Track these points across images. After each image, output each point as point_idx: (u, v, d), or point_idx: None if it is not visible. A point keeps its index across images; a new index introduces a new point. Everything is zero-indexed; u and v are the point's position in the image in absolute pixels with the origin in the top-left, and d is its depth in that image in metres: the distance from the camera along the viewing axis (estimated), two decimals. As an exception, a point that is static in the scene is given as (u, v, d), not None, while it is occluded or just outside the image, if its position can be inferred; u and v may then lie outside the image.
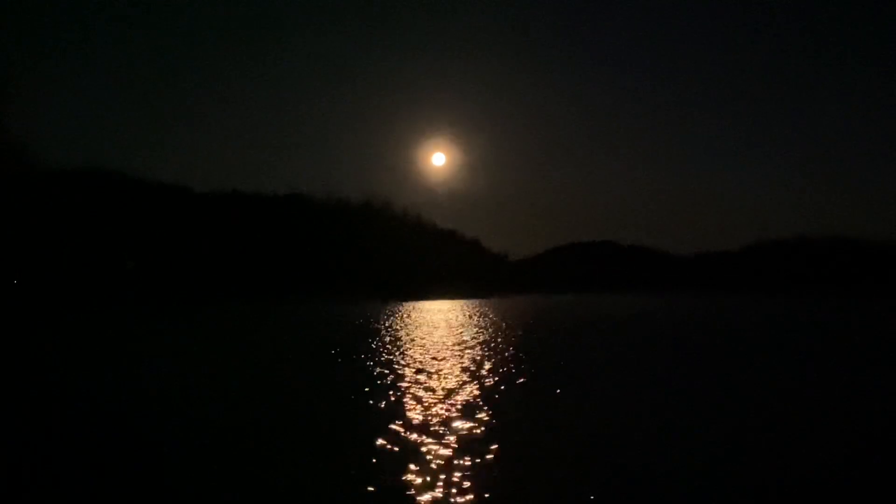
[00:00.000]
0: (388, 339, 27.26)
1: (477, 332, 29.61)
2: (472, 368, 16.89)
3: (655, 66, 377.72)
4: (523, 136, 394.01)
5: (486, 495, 6.87)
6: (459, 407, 11.46)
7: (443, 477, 7.49)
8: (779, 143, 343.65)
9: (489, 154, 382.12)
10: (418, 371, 16.41)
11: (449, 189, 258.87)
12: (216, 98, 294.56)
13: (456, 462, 8.05)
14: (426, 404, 11.78)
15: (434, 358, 19.42)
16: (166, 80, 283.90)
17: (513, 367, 17.06)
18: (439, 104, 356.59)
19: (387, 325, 37.51)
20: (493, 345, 23.40)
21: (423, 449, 8.70)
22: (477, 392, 13.13)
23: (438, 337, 28.16)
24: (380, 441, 9.12)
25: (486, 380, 14.84)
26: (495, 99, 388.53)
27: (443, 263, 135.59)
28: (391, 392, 13.18)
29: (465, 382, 14.41)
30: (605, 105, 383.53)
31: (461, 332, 30.56)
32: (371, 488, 7.12)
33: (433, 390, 13.36)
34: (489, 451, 8.55)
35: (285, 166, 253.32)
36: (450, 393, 13.00)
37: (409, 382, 14.50)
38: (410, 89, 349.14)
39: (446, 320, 43.49)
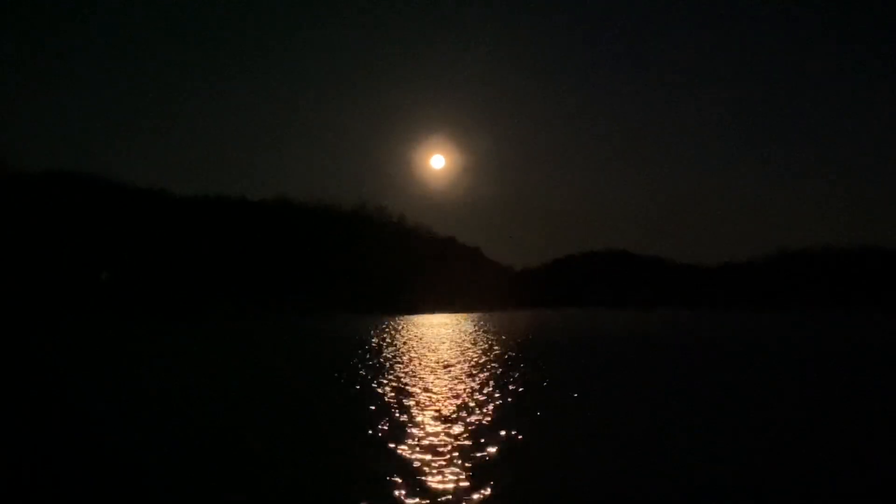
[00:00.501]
0: (380, 358, 26.83)
1: (478, 352, 29.14)
2: (474, 394, 16.43)
3: (674, 65, 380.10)
4: (530, 137, 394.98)
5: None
6: (462, 445, 10.94)
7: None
8: (804, 147, 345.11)
9: (492, 156, 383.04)
10: (409, 397, 16.05)
11: (448, 194, 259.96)
12: (198, 98, 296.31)
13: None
14: (423, 438, 11.40)
15: (430, 382, 18.91)
16: (144, 78, 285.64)
17: (518, 393, 16.66)
18: (439, 102, 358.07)
19: (380, 342, 37.21)
20: (495, 366, 23.17)
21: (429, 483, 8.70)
22: (480, 420, 12.87)
23: (439, 356, 27.84)
24: (385, 472, 9.11)
25: (489, 405, 14.59)
26: (500, 97, 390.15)
27: (441, 274, 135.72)
28: (386, 420, 12.80)
29: (464, 411, 13.89)
30: (618, 105, 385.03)
31: (462, 352, 30.14)
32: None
33: (423, 424, 12.77)
34: (498, 481, 8.66)
35: (272, 170, 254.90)
36: (447, 423, 12.54)
37: (399, 410, 14.16)
38: (407, 86, 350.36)
39: (445, 337, 43.20)
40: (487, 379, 18.92)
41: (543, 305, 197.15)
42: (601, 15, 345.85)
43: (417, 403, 14.27)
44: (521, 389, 16.91)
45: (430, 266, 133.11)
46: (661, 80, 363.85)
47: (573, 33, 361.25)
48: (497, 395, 16.02)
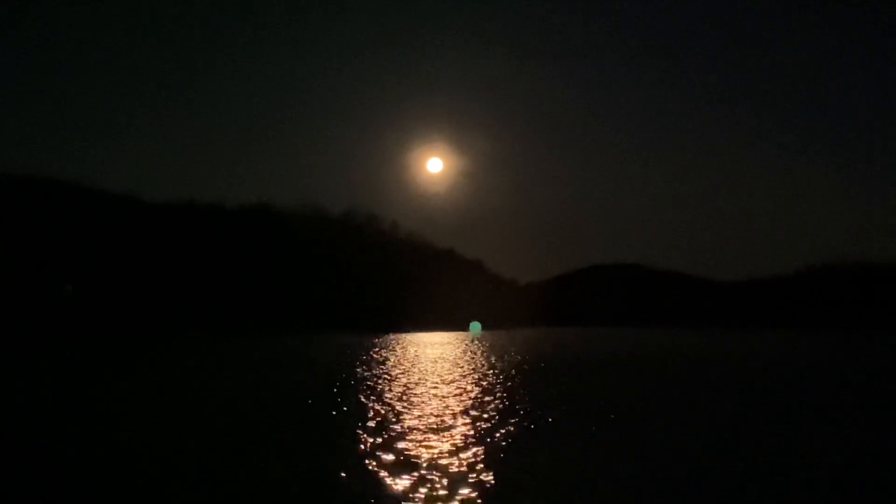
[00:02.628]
0: (370, 381, 26.36)
1: (476, 377, 28.67)
2: (475, 423, 16.23)
3: (691, 63, 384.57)
4: (536, 141, 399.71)
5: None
6: (466, 479, 10.86)
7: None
8: (835, 157, 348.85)
9: (495, 160, 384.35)
10: (387, 451, 14.73)
11: (446, 201, 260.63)
12: (171, 97, 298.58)
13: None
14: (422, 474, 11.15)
15: (426, 411, 18.30)
16: (112, 74, 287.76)
17: (524, 422, 16.46)
18: (437, 100, 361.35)
19: (366, 365, 36.13)
20: (495, 395, 22.43)
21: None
22: (483, 452, 12.76)
23: (437, 378, 27.84)
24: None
25: (492, 436, 14.44)
26: (503, 96, 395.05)
27: (438, 289, 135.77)
28: (378, 456, 12.43)
29: (467, 443, 13.57)
30: (631, 108, 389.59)
31: (459, 376, 29.67)
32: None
33: (420, 459, 12.19)
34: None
35: (251, 174, 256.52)
36: (449, 459, 12.22)
37: (390, 443, 13.73)
38: (401, 84, 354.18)
39: (441, 358, 43.10)
40: (485, 412, 17.92)
41: (550, 323, 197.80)
42: (619, 12, 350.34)
43: (398, 457, 12.56)
44: (526, 425, 15.93)
45: (425, 280, 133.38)
46: (678, 85, 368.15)
47: (588, 30, 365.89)
48: (496, 434, 14.75)
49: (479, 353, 49.82)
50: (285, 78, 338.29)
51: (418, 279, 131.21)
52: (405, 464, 11.81)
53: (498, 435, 14.62)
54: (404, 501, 9.69)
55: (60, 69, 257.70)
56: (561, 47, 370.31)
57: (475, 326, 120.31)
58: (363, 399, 20.99)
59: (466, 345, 64.79)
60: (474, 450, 12.92)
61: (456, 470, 11.41)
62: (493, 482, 10.63)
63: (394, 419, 16.67)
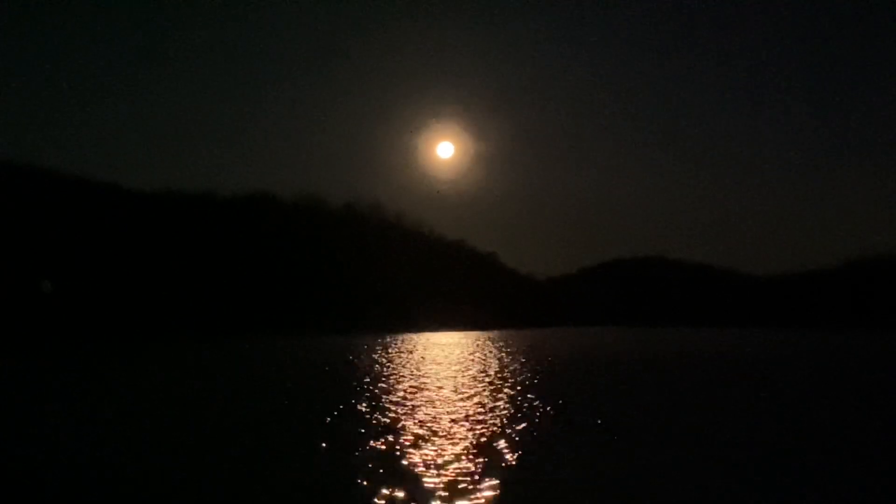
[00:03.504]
0: (374, 389, 25.68)
1: (491, 386, 27.44)
2: (494, 439, 15.19)
3: (725, 50, 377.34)
4: (556, 123, 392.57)
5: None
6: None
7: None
8: (878, 145, 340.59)
9: (511, 145, 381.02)
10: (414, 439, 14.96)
11: (458, 189, 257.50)
12: (155, 75, 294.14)
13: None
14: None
15: (438, 421, 17.57)
16: (89, 50, 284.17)
17: (547, 433, 15.83)
18: (447, 78, 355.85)
19: (366, 369, 36.20)
20: (513, 404, 21.45)
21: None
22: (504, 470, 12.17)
23: (435, 392, 26.02)
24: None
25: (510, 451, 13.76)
26: (520, 74, 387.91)
27: (448, 285, 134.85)
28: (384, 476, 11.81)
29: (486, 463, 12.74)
30: (659, 88, 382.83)
31: (471, 381, 28.97)
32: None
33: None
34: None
35: (244, 161, 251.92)
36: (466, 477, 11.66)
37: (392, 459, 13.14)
38: (409, 60, 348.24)
39: (450, 361, 42.33)
40: (501, 428, 16.64)
41: (571, 322, 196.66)
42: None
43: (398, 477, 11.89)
44: (550, 445, 14.52)
45: (435, 275, 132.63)
46: (713, 71, 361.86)
47: (620, 9, 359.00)
48: (514, 452, 13.75)
49: (496, 356, 47.62)
50: (279, 56, 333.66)
51: (427, 275, 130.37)
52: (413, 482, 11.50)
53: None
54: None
55: (34, 49, 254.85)
56: (588, 25, 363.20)
57: None
58: (366, 408, 20.29)
59: (480, 347, 63.59)
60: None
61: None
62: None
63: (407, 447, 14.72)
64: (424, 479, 11.39)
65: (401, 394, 23.69)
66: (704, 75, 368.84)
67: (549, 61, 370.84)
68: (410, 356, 47.08)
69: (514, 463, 12.63)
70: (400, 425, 16.76)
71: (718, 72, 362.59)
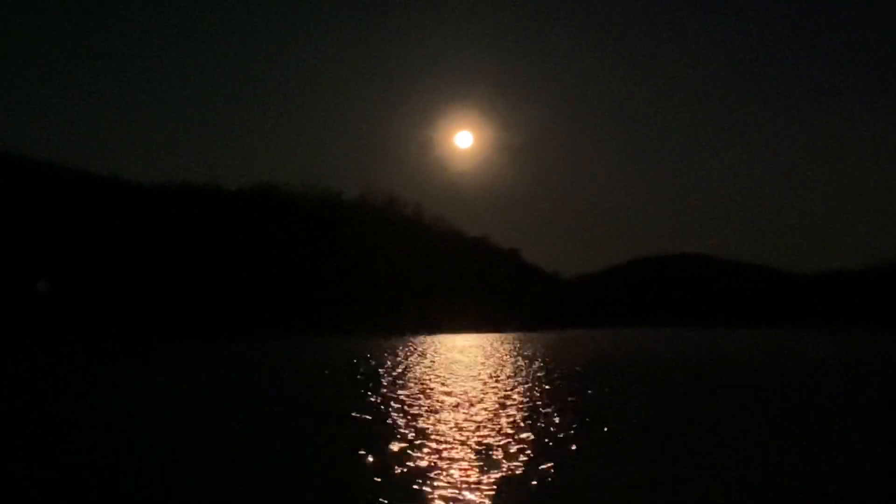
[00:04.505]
0: (391, 395, 24.86)
1: (520, 387, 26.93)
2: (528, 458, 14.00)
3: (774, 45, 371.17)
4: (585, 111, 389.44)
5: None
6: None
7: None
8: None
9: (535, 134, 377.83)
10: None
11: (478, 181, 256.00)
12: (156, 63, 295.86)
13: None
14: None
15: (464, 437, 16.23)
16: (95, 42, 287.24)
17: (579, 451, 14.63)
18: (467, 63, 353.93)
19: (388, 369, 35.76)
20: (547, 410, 20.58)
21: None
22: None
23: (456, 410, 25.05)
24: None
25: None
26: (545, 58, 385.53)
27: (468, 283, 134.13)
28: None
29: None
30: (697, 75, 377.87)
31: (497, 388, 27.80)
32: None
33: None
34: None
35: (251, 152, 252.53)
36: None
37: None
38: (425, 42, 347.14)
39: (469, 365, 41.35)
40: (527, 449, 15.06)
41: (599, 323, 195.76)
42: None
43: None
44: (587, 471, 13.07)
45: (454, 273, 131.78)
46: (754, 63, 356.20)
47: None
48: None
49: (513, 361, 46.40)
50: (288, 39, 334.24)
51: (445, 273, 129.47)
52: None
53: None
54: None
55: (33, 39, 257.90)
56: (627, 7, 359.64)
57: None
58: (364, 414, 19.99)
59: (499, 350, 62.69)
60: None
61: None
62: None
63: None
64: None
65: (405, 398, 23.14)
66: (743, 66, 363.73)
67: (581, 45, 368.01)
68: (423, 359, 46.49)
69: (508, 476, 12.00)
70: (402, 433, 16.34)
71: (757, 64, 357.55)
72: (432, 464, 12.94)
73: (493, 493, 10.99)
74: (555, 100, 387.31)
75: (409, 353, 53.51)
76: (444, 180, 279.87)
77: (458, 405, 21.42)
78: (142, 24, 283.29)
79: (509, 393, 25.05)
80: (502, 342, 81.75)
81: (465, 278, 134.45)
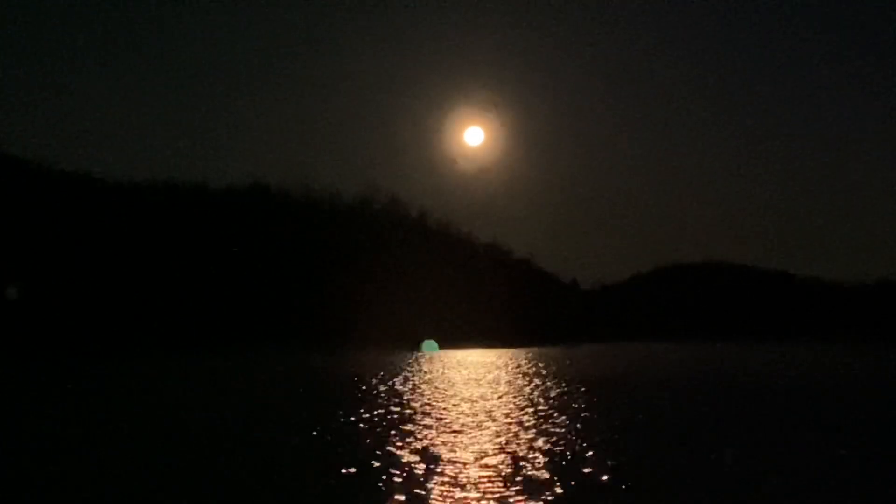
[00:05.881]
0: (385, 417, 24.35)
1: (539, 412, 25.83)
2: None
3: (808, 48, 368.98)
4: (606, 106, 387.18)
5: None
6: None
7: None
8: None
9: (551, 130, 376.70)
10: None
11: (488, 182, 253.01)
12: (140, 53, 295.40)
13: None
14: None
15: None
16: (76, 38, 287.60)
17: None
18: (477, 54, 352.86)
19: (386, 390, 35.72)
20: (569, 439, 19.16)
21: None
22: None
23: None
24: None
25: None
26: (566, 49, 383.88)
27: (478, 293, 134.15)
28: None
29: None
30: (732, 67, 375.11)
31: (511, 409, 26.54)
32: None
33: None
34: None
35: (242, 150, 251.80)
36: None
37: None
38: (432, 31, 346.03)
39: (478, 384, 40.43)
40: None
41: (622, 337, 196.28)
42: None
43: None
44: None
45: (461, 281, 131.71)
46: (787, 66, 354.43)
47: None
48: None
49: (532, 378, 44.36)
50: (281, 29, 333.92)
51: (452, 281, 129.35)
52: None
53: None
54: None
55: (8, 32, 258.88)
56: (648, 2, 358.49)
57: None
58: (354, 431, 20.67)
59: (515, 368, 61.03)
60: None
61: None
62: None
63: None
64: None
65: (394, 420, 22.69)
66: (775, 68, 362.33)
67: (603, 40, 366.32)
68: (424, 377, 45.50)
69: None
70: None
71: (789, 67, 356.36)
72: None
73: None
74: (575, 93, 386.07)
75: (415, 374, 51.95)
76: (452, 180, 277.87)
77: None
78: (126, 15, 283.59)
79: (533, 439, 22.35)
80: (515, 358, 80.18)
81: (475, 288, 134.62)
